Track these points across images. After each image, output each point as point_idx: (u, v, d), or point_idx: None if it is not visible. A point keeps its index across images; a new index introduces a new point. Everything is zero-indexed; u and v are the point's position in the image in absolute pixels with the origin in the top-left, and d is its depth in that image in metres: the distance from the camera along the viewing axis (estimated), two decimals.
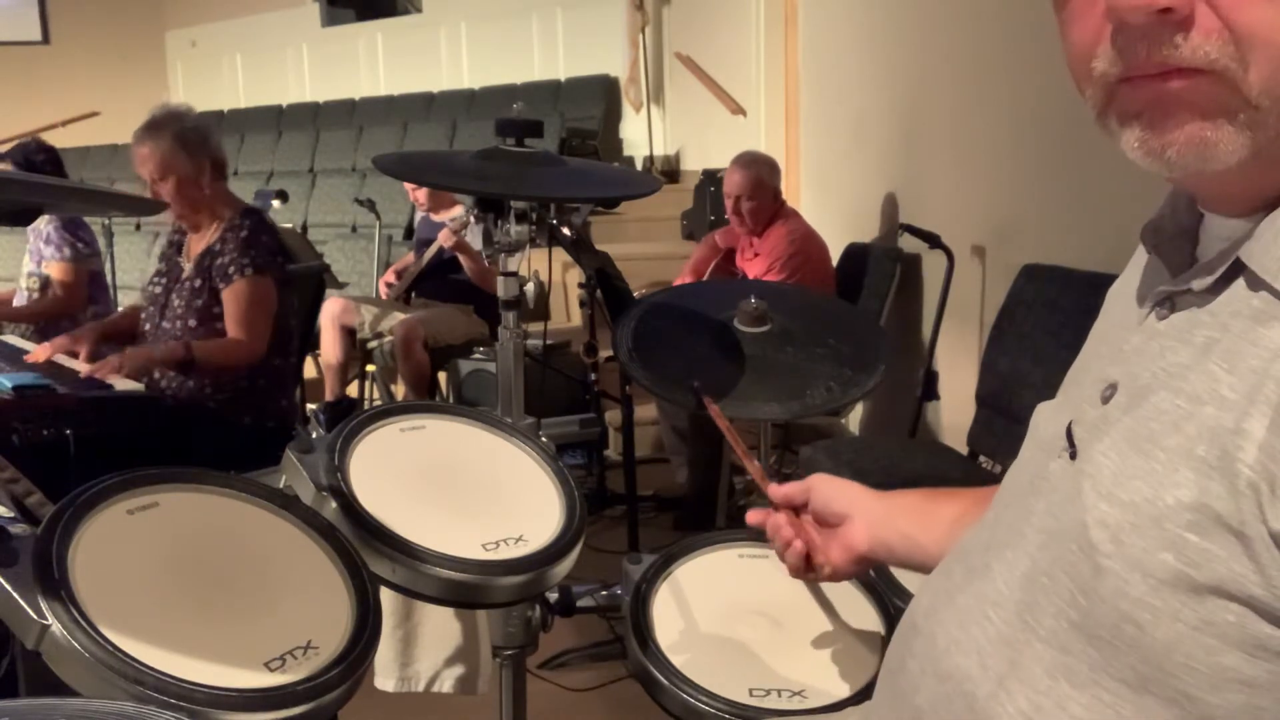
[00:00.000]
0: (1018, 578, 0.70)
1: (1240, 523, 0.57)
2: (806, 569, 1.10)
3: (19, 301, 3.98)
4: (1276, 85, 0.59)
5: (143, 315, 2.85)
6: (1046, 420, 0.79)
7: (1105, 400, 0.69)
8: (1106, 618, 0.63)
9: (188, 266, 2.74)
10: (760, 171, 3.97)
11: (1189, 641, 0.59)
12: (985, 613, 0.72)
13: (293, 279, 2.85)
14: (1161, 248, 0.71)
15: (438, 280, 4.50)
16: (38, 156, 3.95)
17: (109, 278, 4.32)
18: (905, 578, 1.27)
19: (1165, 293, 0.68)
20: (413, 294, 4.62)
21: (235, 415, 2.69)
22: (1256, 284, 0.62)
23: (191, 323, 2.68)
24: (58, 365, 2.66)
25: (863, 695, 1.12)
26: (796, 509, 1.13)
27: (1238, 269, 0.63)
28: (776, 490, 1.14)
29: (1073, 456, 0.70)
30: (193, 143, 2.69)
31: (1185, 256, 0.69)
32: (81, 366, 2.58)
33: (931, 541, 1.00)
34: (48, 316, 3.87)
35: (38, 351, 2.70)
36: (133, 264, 6.56)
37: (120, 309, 3.84)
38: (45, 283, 3.90)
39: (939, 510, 1.02)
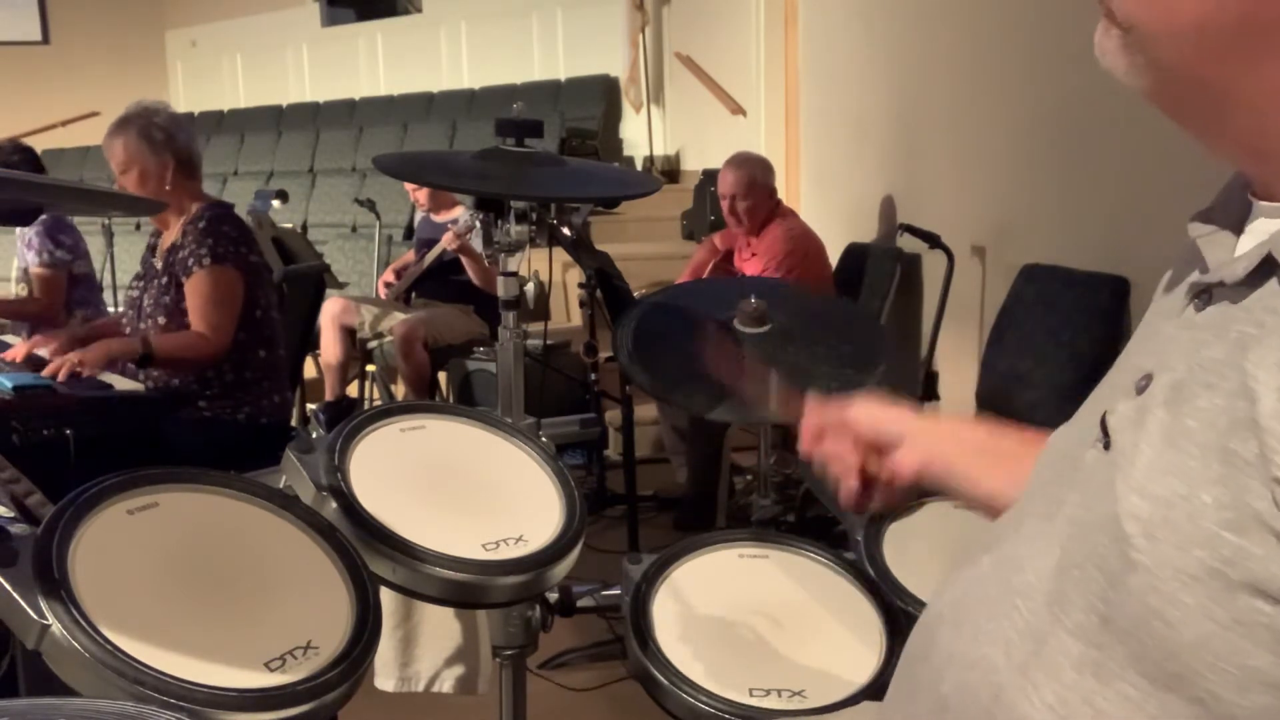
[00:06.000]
0: (1048, 569, 0.69)
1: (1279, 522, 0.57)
2: (862, 498, 1.06)
3: None
4: (1132, 14, 0.65)
5: (124, 320, 2.85)
6: (1082, 410, 0.78)
7: (1140, 391, 0.68)
8: (1135, 612, 0.62)
9: (159, 265, 2.74)
10: (754, 171, 3.97)
11: (1218, 641, 0.59)
12: (1013, 603, 0.71)
13: (265, 269, 2.82)
14: (1205, 239, 0.70)
15: (438, 280, 4.51)
16: (13, 157, 3.94)
17: (109, 278, 4.32)
18: (907, 578, 1.27)
19: (1201, 285, 0.67)
20: (413, 294, 4.63)
21: (228, 412, 2.69)
22: None
23: (161, 320, 2.67)
24: (37, 357, 2.64)
25: (863, 695, 1.12)
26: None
27: (1272, 265, 0.62)
28: (815, 410, 1.08)
29: (1106, 447, 0.69)
30: (157, 139, 2.70)
31: (1228, 249, 0.68)
32: (53, 364, 2.53)
33: (991, 485, 0.97)
34: (28, 318, 3.89)
35: (16, 350, 2.70)
36: (132, 264, 6.53)
37: (114, 311, 3.85)
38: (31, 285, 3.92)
39: (1005, 450, 0.98)
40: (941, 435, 1.02)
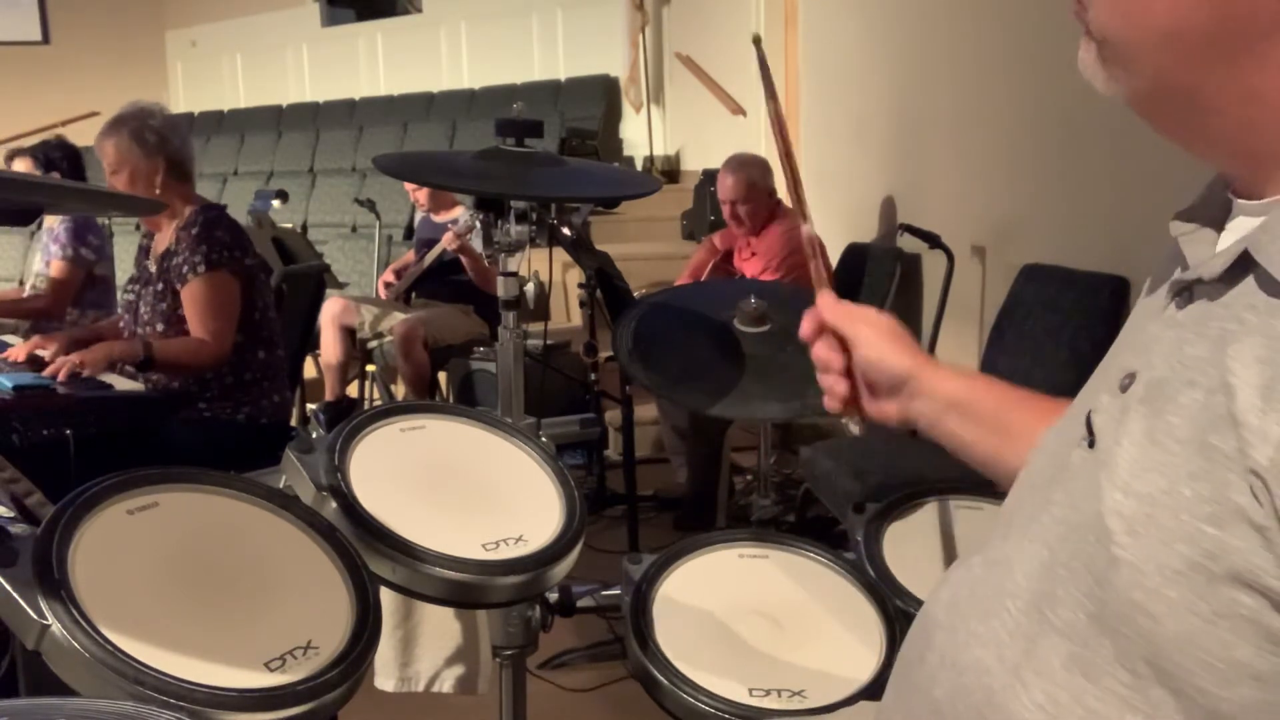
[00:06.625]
0: (1036, 569, 0.70)
1: (1262, 516, 0.57)
2: (843, 408, 1.05)
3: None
4: (1107, 30, 0.66)
5: (122, 324, 2.85)
6: (1070, 409, 0.78)
7: (1123, 389, 0.68)
8: (1121, 609, 0.62)
9: (153, 269, 2.74)
10: (751, 174, 3.97)
11: (1203, 635, 0.59)
12: (1003, 604, 0.72)
13: (262, 271, 2.81)
14: (1187, 237, 0.71)
15: (438, 280, 4.51)
16: (55, 154, 3.99)
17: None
18: (907, 578, 1.27)
19: (1182, 282, 0.67)
20: (413, 294, 4.63)
21: (228, 412, 2.69)
22: (1266, 278, 0.61)
23: (160, 327, 2.66)
24: (37, 358, 2.64)
25: (862, 695, 1.12)
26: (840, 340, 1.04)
27: (1250, 261, 0.63)
28: (827, 306, 1.05)
29: (1091, 445, 0.69)
30: (149, 141, 2.69)
31: (1209, 247, 0.69)
32: (53, 364, 2.54)
33: (986, 450, 0.96)
34: (33, 314, 3.88)
35: (16, 350, 2.69)
36: (132, 264, 6.56)
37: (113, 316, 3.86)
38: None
39: (1008, 422, 0.95)
40: (936, 394, 0.99)
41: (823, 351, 1.05)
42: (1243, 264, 0.63)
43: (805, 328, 1.06)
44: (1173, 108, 0.67)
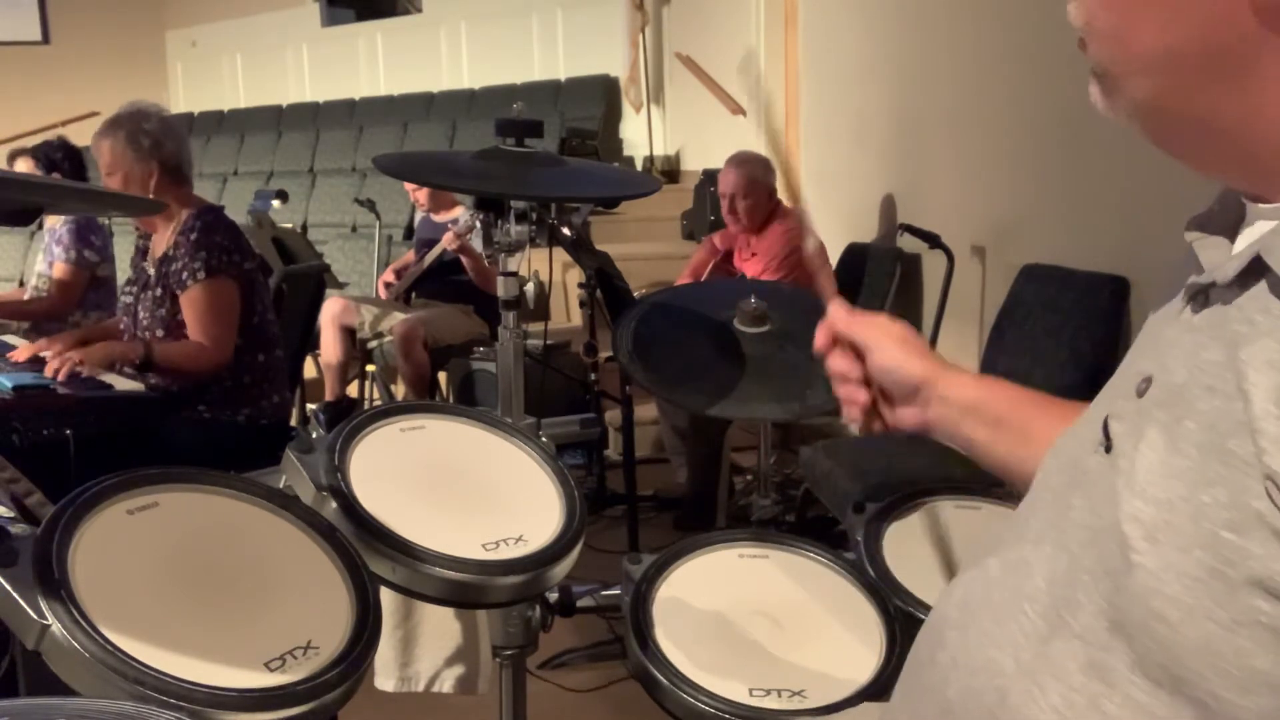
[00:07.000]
0: (1058, 573, 0.70)
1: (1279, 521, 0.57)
2: (864, 417, 1.03)
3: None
4: (1104, 61, 0.69)
5: (121, 326, 2.84)
6: (1087, 413, 0.78)
7: (1140, 394, 0.68)
8: (1138, 615, 0.62)
9: (151, 273, 2.73)
10: (754, 170, 3.97)
11: (1221, 642, 0.59)
12: (1021, 607, 0.71)
13: (261, 273, 2.81)
14: (1201, 242, 0.71)
15: (438, 280, 4.51)
16: (57, 154, 4.00)
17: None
18: (907, 578, 1.27)
19: (1197, 286, 0.68)
20: (413, 294, 4.63)
21: (228, 414, 2.69)
22: (1278, 282, 0.61)
23: (159, 333, 2.66)
24: (38, 357, 2.64)
25: (863, 695, 1.12)
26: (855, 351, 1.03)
27: (1263, 266, 0.63)
28: (839, 316, 1.04)
29: (1108, 450, 0.69)
30: (144, 145, 2.68)
31: (1223, 251, 0.69)
32: (52, 362, 2.54)
33: (1004, 454, 0.95)
34: (35, 316, 3.88)
35: (20, 351, 2.69)
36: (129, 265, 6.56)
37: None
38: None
39: (1026, 424, 0.95)
40: (952, 399, 0.99)
41: (839, 362, 1.04)
42: (1256, 268, 0.63)
43: (819, 339, 1.05)
44: (1178, 130, 0.68)
